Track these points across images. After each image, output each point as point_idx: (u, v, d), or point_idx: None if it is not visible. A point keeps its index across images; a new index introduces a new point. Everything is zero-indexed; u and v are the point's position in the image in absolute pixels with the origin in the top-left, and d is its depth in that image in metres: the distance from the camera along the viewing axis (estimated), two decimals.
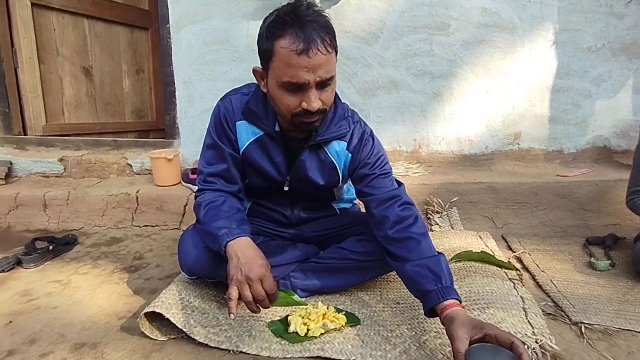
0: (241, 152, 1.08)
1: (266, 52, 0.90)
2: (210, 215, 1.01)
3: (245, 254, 0.91)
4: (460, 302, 0.87)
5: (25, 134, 2.23)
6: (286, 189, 1.11)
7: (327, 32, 0.87)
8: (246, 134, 1.06)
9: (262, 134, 1.05)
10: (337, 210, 1.29)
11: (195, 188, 1.80)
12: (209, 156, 1.09)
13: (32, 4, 2.15)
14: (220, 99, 1.09)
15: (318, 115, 0.93)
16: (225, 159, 1.08)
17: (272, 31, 0.88)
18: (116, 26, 2.62)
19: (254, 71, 0.99)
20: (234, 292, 0.87)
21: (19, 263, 1.42)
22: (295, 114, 0.93)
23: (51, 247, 1.49)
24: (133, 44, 2.74)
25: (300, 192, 1.15)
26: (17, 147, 2.13)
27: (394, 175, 1.12)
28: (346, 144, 1.08)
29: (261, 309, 0.91)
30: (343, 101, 1.11)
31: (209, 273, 1.07)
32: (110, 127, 2.63)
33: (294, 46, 0.84)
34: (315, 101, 0.90)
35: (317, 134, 1.03)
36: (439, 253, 0.97)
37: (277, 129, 1.04)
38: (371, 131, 1.12)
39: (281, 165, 1.08)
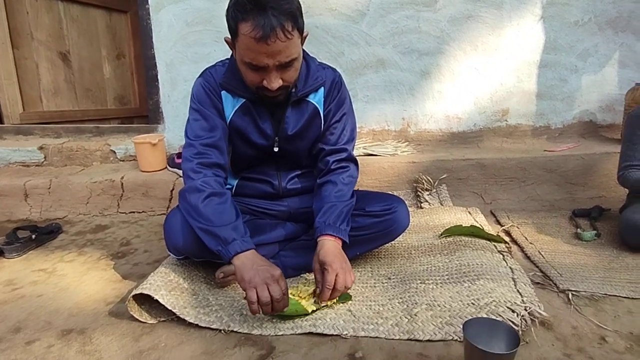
0: (228, 122, 1.09)
1: (231, 30, 0.94)
2: (213, 210, 0.98)
3: (258, 261, 0.93)
4: (335, 235, 1.03)
5: (2, 123, 2.15)
6: (276, 149, 1.13)
7: (288, 18, 0.88)
8: (231, 103, 1.09)
9: (244, 100, 1.08)
10: None
11: (181, 172, 1.78)
12: (197, 128, 1.07)
13: None
14: (199, 76, 1.11)
15: (280, 91, 0.98)
16: (215, 129, 1.07)
17: (235, 12, 0.90)
18: (93, 9, 2.53)
19: (225, 40, 1.01)
20: (253, 295, 0.87)
21: (0, 253, 1.38)
22: (258, 88, 0.99)
23: (34, 236, 1.46)
24: (112, 28, 2.65)
25: (287, 153, 1.16)
26: None
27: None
28: (323, 89, 1.14)
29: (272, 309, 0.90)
30: None
31: (196, 252, 1.05)
32: (92, 114, 2.57)
33: (253, 33, 0.87)
34: (274, 81, 0.95)
35: (296, 91, 1.07)
36: (351, 197, 1.12)
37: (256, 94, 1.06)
38: (340, 76, 1.18)
39: (267, 128, 1.10)
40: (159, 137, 1.89)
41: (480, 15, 2.05)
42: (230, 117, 1.09)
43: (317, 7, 1.96)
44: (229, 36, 0.97)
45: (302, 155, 1.19)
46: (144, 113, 2.69)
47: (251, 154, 1.15)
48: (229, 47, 1.01)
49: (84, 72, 2.52)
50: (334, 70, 1.18)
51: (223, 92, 1.08)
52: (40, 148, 2.01)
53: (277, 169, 1.20)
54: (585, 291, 1.07)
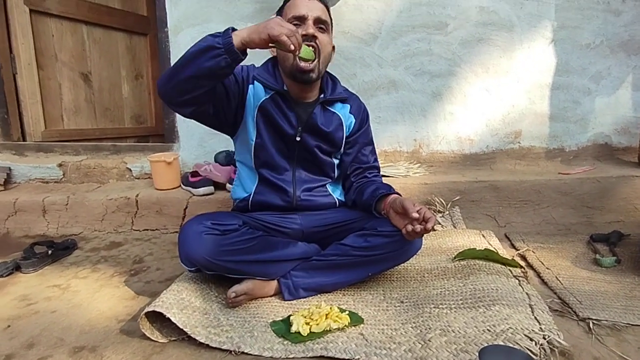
0: (258, 105, 1.19)
1: (282, 8, 1.20)
2: (191, 47, 0.99)
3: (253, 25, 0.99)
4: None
5: (24, 140, 2.22)
6: (298, 138, 1.21)
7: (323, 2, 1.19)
8: (262, 92, 1.20)
9: (273, 92, 1.20)
10: (336, 200, 1.31)
11: (195, 191, 1.80)
12: None
13: (31, 10, 2.16)
14: None
15: (315, 58, 1.12)
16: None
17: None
18: (114, 32, 2.62)
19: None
20: (283, 37, 0.94)
21: (17, 268, 1.40)
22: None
23: (50, 252, 1.48)
24: (131, 49, 2.75)
25: (306, 150, 1.23)
26: (16, 153, 2.12)
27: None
28: (348, 106, 1.30)
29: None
30: None
31: (208, 262, 1.05)
32: (109, 133, 2.63)
33: None
34: (311, 28, 1.12)
35: (324, 95, 1.25)
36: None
37: (284, 88, 1.20)
38: (365, 106, 1.37)
39: (293, 118, 1.21)
40: (173, 156, 1.93)
41: (491, 38, 2.07)
42: (261, 101, 1.19)
43: None
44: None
45: (319, 160, 1.26)
46: (160, 132, 2.75)
47: (274, 142, 1.21)
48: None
49: (103, 91, 2.60)
50: (359, 98, 1.36)
51: (255, 83, 1.20)
52: (60, 165, 2.07)
53: (293, 171, 1.25)
54: (606, 320, 1.03)
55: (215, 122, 1.20)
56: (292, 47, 0.95)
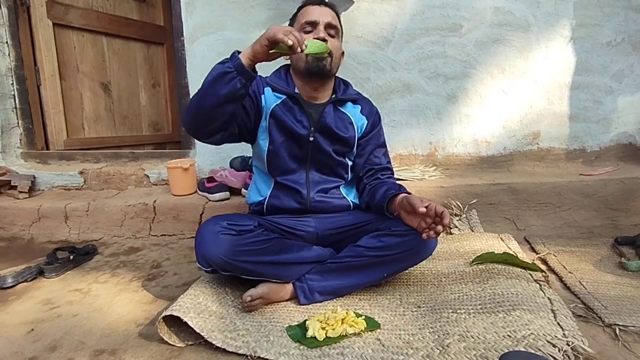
0: (269, 112, 1.22)
1: (295, 16, 1.26)
2: (205, 78, 1.04)
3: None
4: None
5: (48, 149, 2.30)
6: (311, 138, 1.22)
7: (333, 7, 1.25)
8: (272, 98, 1.23)
9: (285, 97, 1.23)
10: (350, 202, 1.31)
11: (211, 196, 1.82)
12: None
13: (54, 24, 2.24)
14: None
15: (328, 50, 1.13)
16: None
17: (300, 7, 1.26)
18: (133, 42, 2.70)
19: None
20: (279, 35, 0.96)
21: (40, 273, 1.44)
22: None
23: (72, 257, 1.52)
24: (149, 59, 2.82)
25: (319, 150, 1.24)
26: (40, 161, 2.20)
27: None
28: (359, 107, 1.32)
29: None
30: None
31: (224, 262, 1.05)
32: (128, 140, 2.69)
33: (309, 2, 1.23)
34: (322, 32, 1.17)
35: (336, 95, 1.28)
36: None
37: (296, 91, 1.23)
38: (377, 108, 1.38)
39: (304, 120, 1.23)
40: (190, 162, 1.96)
41: (507, 39, 2.04)
42: (272, 107, 1.21)
43: (344, 35, 2.02)
44: None
45: (333, 160, 1.26)
46: (177, 139, 2.81)
47: (287, 146, 1.23)
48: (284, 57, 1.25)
49: (122, 100, 2.67)
50: (371, 101, 1.37)
51: (266, 88, 1.23)
52: (81, 173, 2.13)
53: (306, 173, 1.25)
54: (634, 326, 0.99)
55: (240, 138, 1.24)
56: (290, 42, 0.95)
